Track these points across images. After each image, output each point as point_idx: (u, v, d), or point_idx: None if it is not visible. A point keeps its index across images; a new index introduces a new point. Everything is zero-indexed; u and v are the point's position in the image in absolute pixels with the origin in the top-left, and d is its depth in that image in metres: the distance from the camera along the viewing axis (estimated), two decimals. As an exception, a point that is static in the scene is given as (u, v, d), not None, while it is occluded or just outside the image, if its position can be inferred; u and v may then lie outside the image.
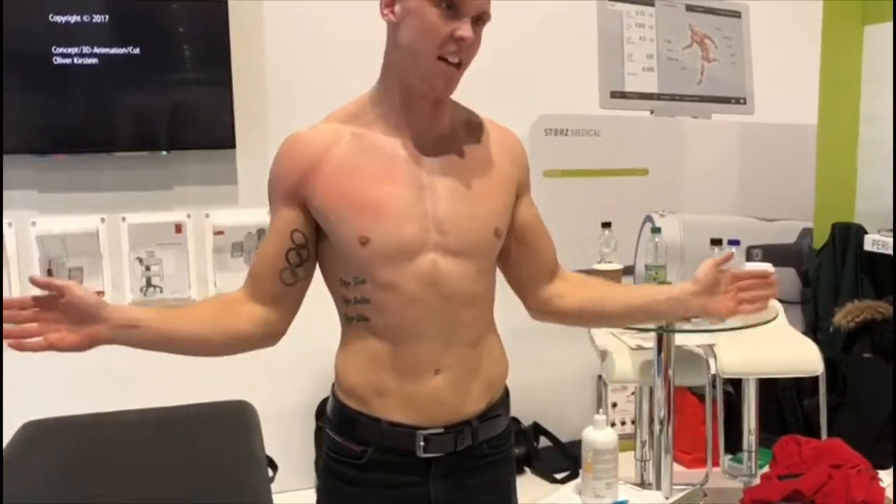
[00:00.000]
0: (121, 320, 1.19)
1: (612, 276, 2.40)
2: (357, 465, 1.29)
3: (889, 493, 2.09)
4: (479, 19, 1.19)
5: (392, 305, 1.24)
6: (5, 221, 2.60)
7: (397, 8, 1.20)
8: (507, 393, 1.39)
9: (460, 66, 1.20)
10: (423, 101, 1.25)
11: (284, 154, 1.26)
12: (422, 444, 1.26)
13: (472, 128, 1.33)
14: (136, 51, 2.59)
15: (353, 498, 1.30)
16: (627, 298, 1.43)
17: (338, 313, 1.31)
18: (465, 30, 1.17)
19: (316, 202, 1.23)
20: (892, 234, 3.30)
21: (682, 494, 1.90)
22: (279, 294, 1.28)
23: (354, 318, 1.27)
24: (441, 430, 1.27)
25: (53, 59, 2.52)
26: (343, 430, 1.30)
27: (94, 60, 2.55)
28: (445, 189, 1.26)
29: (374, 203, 1.22)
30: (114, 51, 2.57)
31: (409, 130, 1.26)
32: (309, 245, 1.27)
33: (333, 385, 1.34)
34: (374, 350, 1.26)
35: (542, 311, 1.43)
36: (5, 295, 2.61)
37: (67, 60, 2.53)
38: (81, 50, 2.53)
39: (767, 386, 2.95)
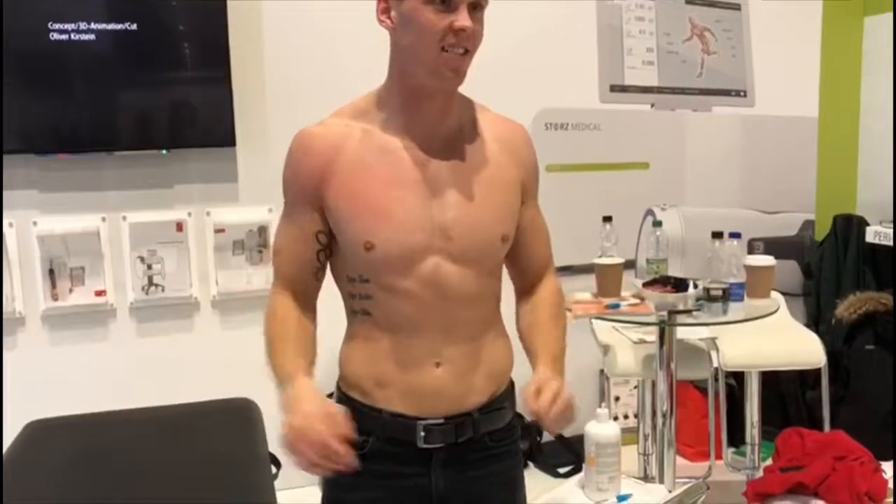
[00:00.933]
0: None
1: (614, 270, 2.40)
2: (359, 455, 1.29)
3: (892, 484, 2.09)
4: (477, 5, 1.19)
5: (394, 303, 1.26)
6: (6, 221, 2.61)
7: (392, 14, 1.21)
8: (511, 386, 1.39)
9: (466, 53, 1.20)
10: (432, 99, 1.25)
11: (300, 154, 1.27)
12: (422, 434, 1.28)
13: (481, 126, 1.32)
14: (133, 27, 2.58)
15: (356, 488, 1.30)
16: (529, 356, 1.36)
17: (344, 306, 1.34)
18: (462, 19, 1.17)
19: (329, 201, 1.26)
20: (892, 225, 3.29)
21: (685, 488, 1.89)
22: (315, 290, 1.33)
23: (358, 312, 1.30)
24: (441, 421, 1.28)
25: (50, 34, 2.51)
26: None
27: (91, 36, 2.54)
28: (452, 195, 1.26)
29: (381, 208, 1.23)
30: (111, 26, 2.56)
31: (417, 132, 1.26)
32: (329, 240, 1.30)
33: (338, 377, 1.35)
34: (376, 342, 1.28)
35: None
36: (6, 295, 2.61)
37: (64, 36, 2.52)
38: (78, 26, 2.53)
39: (770, 378, 2.95)
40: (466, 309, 1.28)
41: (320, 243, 1.29)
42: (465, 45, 1.19)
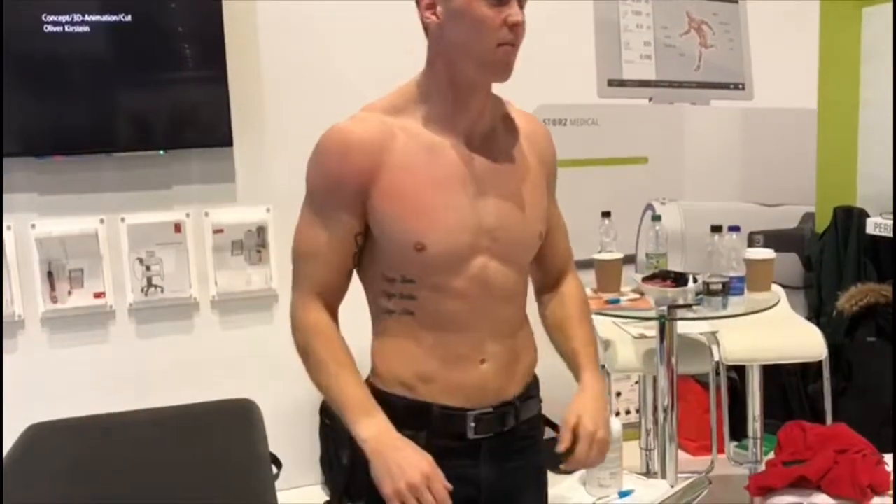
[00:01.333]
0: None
1: (613, 265, 2.40)
2: None
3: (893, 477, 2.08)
4: (521, 1, 1.21)
5: (441, 303, 1.25)
6: (4, 224, 2.60)
7: (439, 9, 1.19)
8: (536, 377, 1.41)
9: (514, 47, 1.20)
10: (475, 95, 1.24)
11: (340, 153, 1.21)
12: (472, 424, 1.27)
13: (510, 123, 1.33)
14: (128, 18, 2.58)
15: None
16: (567, 352, 1.40)
17: (371, 304, 1.31)
18: (516, 14, 1.18)
19: (374, 202, 1.21)
20: (892, 217, 3.28)
21: (687, 483, 1.89)
22: (343, 296, 1.29)
23: (397, 312, 1.27)
24: (490, 410, 1.28)
25: (45, 27, 2.50)
26: (391, 420, 1.25)
27: (86, 28, 2.54)
28: (495, 193, 1.26)
29: (431, 209, 1.21)
30: (105, 18, 2.55)
31: (460, 128, 1.25)
32: (364, 242, 1.26)
33: (371, 379, 1.31)
34: (420, 341, 1.26)
35: None
36: (6, 299, 2.60)
37: (58, 28, 2.51)
38: (72, 18, 2.52)
39: (772, 372, 2.95)
40: (508, 305, 1.30)
41: (357, 245, 1.25)
42: (517, 40, 1.19)
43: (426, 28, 1.24)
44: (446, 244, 1.22)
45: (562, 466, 1.30)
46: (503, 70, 1.21)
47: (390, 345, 1.29)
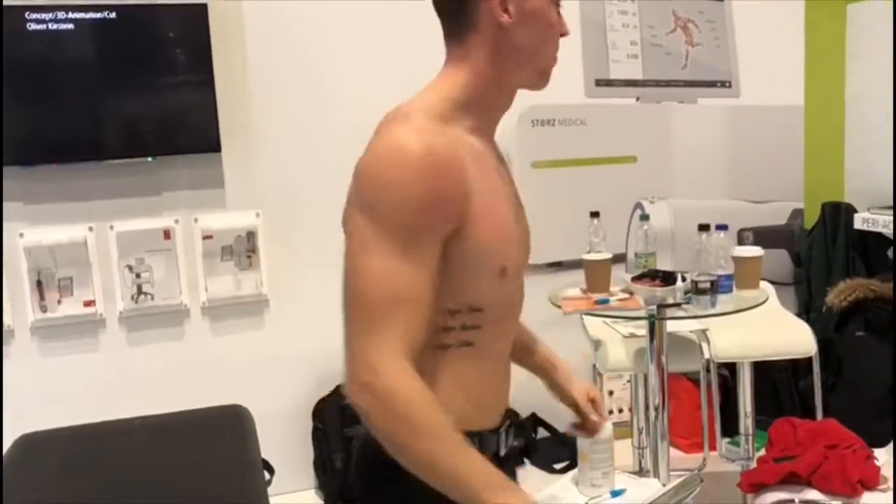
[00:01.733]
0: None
1: (602, 265, 2.40)
2: None
3: (886, 470, 2.09)
4: None
5: (501, 327, 1.18)
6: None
7: (511, 8, 1.11)
8: None
9: None
10: (510, 101, 1.20)
11: (440, 172, 1.02)
12: (503, 440, 1.24)
13: None
14: (112, 15, 2.58)
15: None
16: (526, 351, 1.41)
17: None
18: (566, 24, 1.17)
19: (468, 227, 1.06)
20: (884, 212, 3.30)
21: (679, 481, 1.89)
22: None
23: (454, 345, 1.13)
24: (510, 422, 1.25)
25: (28, 24, 2.50)
26: None
27: (70, 26, 2.54)
28: (515, 204, 1.23)
29: (510, 228, 1.13)
30: (89, 15, 2.56)
31: (491, 137, 1.19)
32: None
33: None
34: (477, 371, 1.16)
35: None
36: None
37: (42, 26, 2.51)
38: (56, 15, 2.52)
39: (763, 368, 2.96)
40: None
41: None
42: None
43: (471, 26, 1.12)
44: (517, 261, 1.15)
45: (584, 434, 1.44)
46: (548, 79, 1.19)
47: (449, 381, 1.14)
